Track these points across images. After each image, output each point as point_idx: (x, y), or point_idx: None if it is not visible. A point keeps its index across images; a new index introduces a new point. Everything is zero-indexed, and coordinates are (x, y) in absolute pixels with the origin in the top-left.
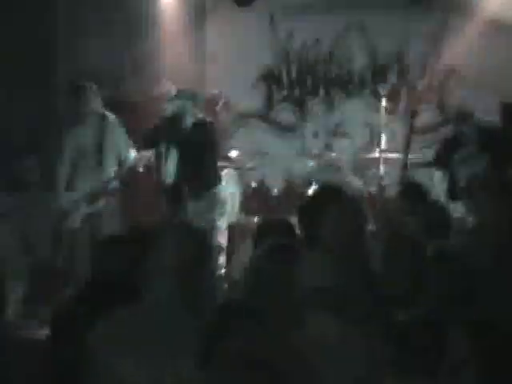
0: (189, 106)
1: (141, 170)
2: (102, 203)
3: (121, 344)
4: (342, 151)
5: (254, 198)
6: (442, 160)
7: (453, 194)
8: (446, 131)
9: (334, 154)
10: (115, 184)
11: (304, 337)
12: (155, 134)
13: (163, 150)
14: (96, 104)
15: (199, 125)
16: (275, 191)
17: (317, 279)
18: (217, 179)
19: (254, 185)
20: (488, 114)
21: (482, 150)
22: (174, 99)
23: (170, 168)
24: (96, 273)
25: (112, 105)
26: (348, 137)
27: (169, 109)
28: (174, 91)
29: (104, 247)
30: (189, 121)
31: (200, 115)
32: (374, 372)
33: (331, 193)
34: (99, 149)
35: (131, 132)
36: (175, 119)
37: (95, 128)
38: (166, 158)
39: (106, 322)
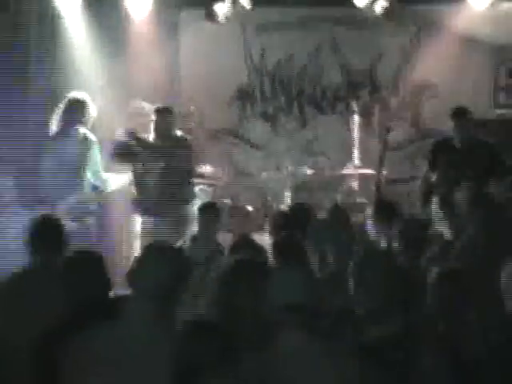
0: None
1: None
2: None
3: (97, 363)
4: (315, 167)
5: (229, 214)
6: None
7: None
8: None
9: (307, 171)
10: (94, 206)
11: (276, 353)
12: (132, 148)
13: (141, 164)
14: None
15: (180, 141)
16: (249, 207)
17: (288, 295)
18: (192, 195)
19: (228, 201)
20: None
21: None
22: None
23: (149, 183)
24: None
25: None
26: (321, 153)
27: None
28: (147, 108)
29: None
30: (169, 137)
31: (179, 132)
32: None
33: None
34: (79, 166)
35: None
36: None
37: (78, 145)
38: (145, 174)
39: (81, 341)
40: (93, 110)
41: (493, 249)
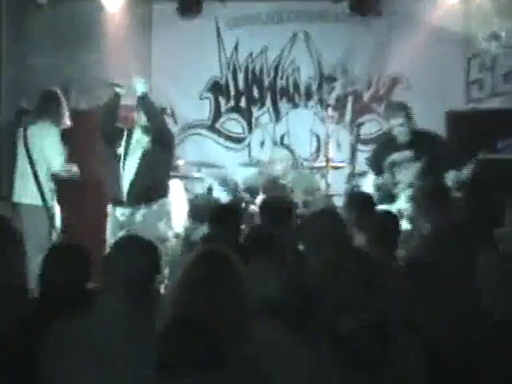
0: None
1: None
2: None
3: (72, 356)
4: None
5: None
6: (375, 164)
7: (384, 198)
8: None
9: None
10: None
11: (252, 346)
12: (114, 135)
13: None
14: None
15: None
16: (223, 201)
17: (262, 288)
18: (167, 188)
19: (200, 194)
20: (433, 121)
21: (417, 155)
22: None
23: (128, 173)
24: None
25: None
26: (294, 146)
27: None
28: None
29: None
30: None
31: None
32: (320, 377)
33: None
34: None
35: (78, 137)
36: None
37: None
38: (124, 164)
39: (57, 333)
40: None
41: (455, 240)
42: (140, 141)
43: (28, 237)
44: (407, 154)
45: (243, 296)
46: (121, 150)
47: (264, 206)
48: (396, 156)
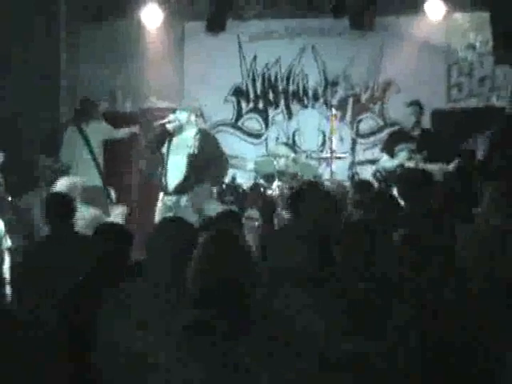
0: (191, 118)
1: None
2: None
3: (124, 313)
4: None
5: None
6: (388, 148)
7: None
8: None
9: (293, 155)
10: None
11: (273, 306)
12: (158, 140)
13: (165, 155)
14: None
15: (203, 134)
16: (244, 187)
17: (285, 259)
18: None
19: (226, 182)
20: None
21: (420, 147)
22: (178, 111)
23: (173, 172)
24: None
25: (108, 116)
26: (304, 141)
27: (173, 119)
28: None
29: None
30: (191, 130)
31: (202, 126)
32: (332, 336)
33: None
34: None
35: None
36: (179, 128)
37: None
38: (167, 164)
39: (113, 293)
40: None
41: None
42: (180, 144)
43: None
44: (412, 145)
45: (249, 267)
46: (164, 150)
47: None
48: (404, 145)
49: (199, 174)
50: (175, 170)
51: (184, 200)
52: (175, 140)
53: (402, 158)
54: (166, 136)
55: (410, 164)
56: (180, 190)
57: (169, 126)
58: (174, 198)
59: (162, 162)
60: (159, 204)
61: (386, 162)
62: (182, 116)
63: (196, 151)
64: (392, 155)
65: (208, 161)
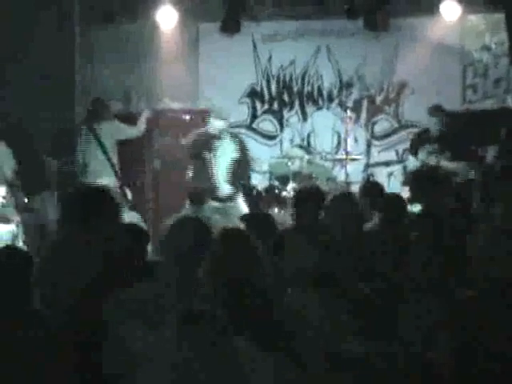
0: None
1: None
2: None
3: (134, 312)
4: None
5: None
6: (413, 149)
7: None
8: (401, 136)
9: (307, 157)
10: None
11: (287, 305)
12: (199, 146)
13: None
14: None
15: (239, 138)
16: (260, 188)
17: (299, 261)
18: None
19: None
20: (434, 119)
21: (444, 148)
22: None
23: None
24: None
25: (123, 116)
26: (318, 142)
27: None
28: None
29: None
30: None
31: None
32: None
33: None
34: None
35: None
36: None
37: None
38: (214, 169)
39: (124, 293)
40: None
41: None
42: (223, 149)
43: None
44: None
45: (256, 263)
46: (208, 155)
47: None
48: (428, 147)
49: (239, 178)
50: (222, 174)
51: (232, 205)
52: (218, 145)
53: (423, 157)
54: (210, 141)
55: (432, 163)
56: (229, 195)
57: (211, 132)
58: (221, 204)
59: (208, 167)
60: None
61: (411, 163)
62: (220, 123)
63: (238, 156)
64: (416, 156)
65: (242, 164)
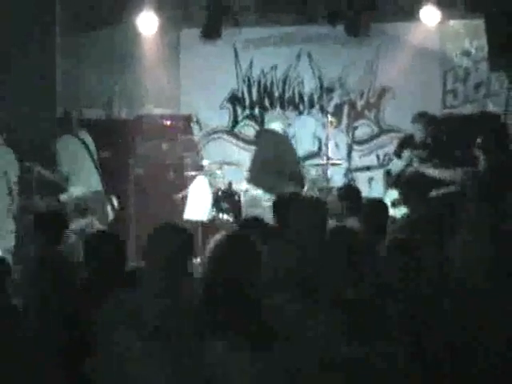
0: None
1: None
2: None
3: (121, 320)
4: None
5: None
6: (398, 153)
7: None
8: (382, 141)
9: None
10: None
11: (271, 305)
12: None
13: None
14: None
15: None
16: (240, 194)
17: (282, 263)
18: None
19: (222, 189)
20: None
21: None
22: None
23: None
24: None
25: (104, 123)
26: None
27: None
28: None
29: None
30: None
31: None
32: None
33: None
34: None
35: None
36: None
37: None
38: None
39: (111, 302)
40: None
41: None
42: None
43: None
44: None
45: (257, 268)
46: None
47: None
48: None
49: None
50: None
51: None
52: None
53: (405, 159)
54: None
55: (421, 169)
56: None
57: None
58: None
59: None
60: None
61: (394, 164)
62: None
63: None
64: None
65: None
